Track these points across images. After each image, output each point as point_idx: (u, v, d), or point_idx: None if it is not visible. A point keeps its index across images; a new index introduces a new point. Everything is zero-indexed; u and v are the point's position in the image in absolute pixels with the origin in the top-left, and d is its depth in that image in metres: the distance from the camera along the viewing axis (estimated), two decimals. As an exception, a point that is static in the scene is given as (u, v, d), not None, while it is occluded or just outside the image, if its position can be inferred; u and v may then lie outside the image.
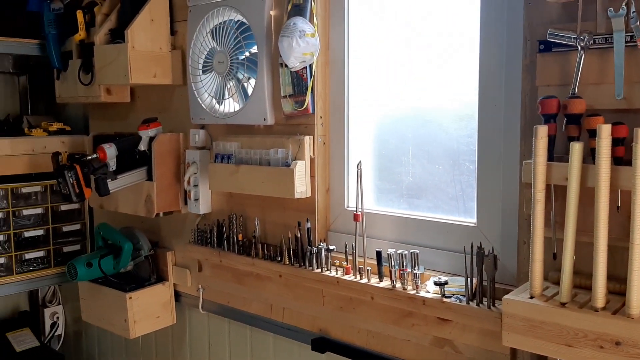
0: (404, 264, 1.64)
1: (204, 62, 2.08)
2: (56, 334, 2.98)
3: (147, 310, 2.33)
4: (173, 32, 2.26)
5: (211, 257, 2.16)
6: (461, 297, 1.55)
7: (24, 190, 2.49)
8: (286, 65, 1.82)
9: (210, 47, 2.08)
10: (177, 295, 2.42)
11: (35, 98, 2.94)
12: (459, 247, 1.63)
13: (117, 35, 2.23)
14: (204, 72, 2.09)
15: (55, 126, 2.61)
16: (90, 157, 2.17)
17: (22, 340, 2.78)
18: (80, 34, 2.35)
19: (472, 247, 1.54)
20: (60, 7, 2.43)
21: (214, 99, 2.10)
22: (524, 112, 1.43)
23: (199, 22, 2.07)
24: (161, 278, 2.41)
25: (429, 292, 1.61)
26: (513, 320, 1.30)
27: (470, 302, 1.53)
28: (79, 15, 2.33)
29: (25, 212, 2.51)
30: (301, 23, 1.78)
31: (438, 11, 1.70)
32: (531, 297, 1.31)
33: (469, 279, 1.54)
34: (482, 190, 1.63)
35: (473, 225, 1.66)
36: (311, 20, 1.81)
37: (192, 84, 2.13)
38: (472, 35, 1.61)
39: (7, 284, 2.45)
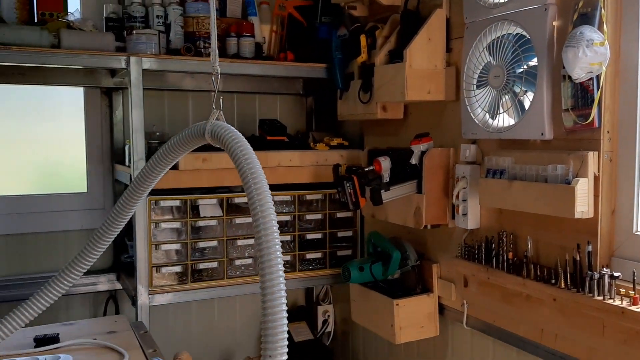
0: None
1: (479, 77, 2.09)
2: (326, 330, 3.25)
3: (412, 318, 2.40)
4: (448, 50, 2.31)
5: (478, 274, 2.14)
6: None
7: (308, 197, 2.79)
8: (569, 77, 1.73)
9: (485, 62, 2.07)
10: (441, 308, 2.44)
11: (319, 116, 3.29)
12: None
13: (395, 56, 2.37)
14: (478, 87, 2.10)
15: (335, 141, 2.87)
16: (366, 169, 2.34)
17: (300, 332, 3.11)
18: (363, 56, 2.54)
19: None
20: (346, 33, 2.68)
21: (487, 114, 2.09)
22: None
23: (475, 38, 2.09)
24: (426, 289, 2.46)
25: None
26: None
27: None
28: (362, 39, 2.53)
29: (308, 217, 2.80)
30: (589, 32, 1.67)
31: None
32: None
33: None
34: None
35: None
36: (600, 28, 1.69)
37: (465, 99, 2.15)
38: None
39: (290, 280, 2.76)
